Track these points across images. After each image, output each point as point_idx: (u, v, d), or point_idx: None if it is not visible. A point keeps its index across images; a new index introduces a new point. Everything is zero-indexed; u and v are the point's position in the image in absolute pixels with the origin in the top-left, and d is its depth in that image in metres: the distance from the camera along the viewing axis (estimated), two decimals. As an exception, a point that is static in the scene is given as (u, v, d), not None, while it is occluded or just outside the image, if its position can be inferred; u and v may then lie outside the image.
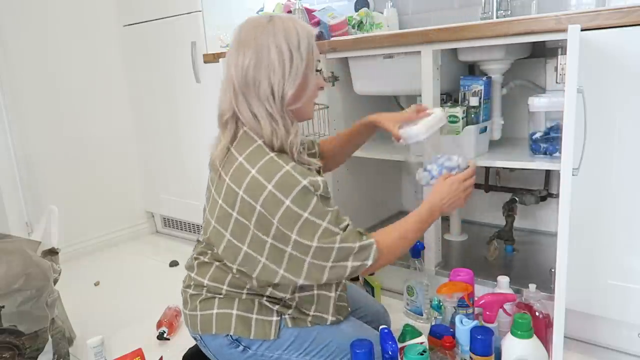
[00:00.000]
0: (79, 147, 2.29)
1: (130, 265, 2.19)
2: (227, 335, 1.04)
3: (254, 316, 1.03)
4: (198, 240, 1.13)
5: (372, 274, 1.62)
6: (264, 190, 0.92)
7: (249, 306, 1.03)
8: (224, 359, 1.08)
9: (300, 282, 0.97)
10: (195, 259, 1.10)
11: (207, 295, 1.06)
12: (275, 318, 1.04)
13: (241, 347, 1.04)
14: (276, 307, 1.04)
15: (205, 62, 2.01)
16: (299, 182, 0.92)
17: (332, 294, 1.08)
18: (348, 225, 0.99)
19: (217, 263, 1.05)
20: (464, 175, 1.15)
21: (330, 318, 1.08)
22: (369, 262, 0.98)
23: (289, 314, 1.05)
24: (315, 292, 1.07)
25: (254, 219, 0.94)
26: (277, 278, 0.97)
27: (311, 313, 1.07)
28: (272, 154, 0.96)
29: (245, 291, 1.04)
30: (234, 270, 1.02)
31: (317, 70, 1.04)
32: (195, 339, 1.12)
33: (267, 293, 1.04)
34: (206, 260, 1.07)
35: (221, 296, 1.05)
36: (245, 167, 0.95)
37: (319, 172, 1.16)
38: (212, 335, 1.06)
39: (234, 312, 1.03)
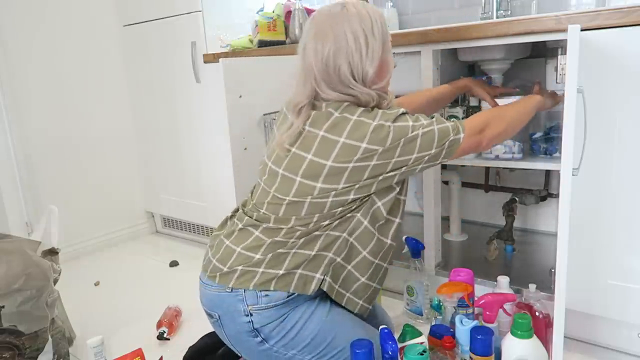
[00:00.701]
0: (79, 147, 2.29)
1: (130, 265, 2.19)
2: (249, 322, 1.02)
3: (299, 271, 1.03)
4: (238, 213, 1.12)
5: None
6: (369, 127, 0.97)
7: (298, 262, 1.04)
8: (239, 345, 1.07)
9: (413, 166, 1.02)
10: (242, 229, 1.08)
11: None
12: (319, 276, 1.04)
13: (259, 338, 1.03)
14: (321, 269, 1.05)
15: (205, 62, 2.01)
16: (398, 111, 1.00)
17: (374, 285, 1.12)
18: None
19: (268, 236, 1.04)
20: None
21: (361, 303, 1.11)
22: (460, 135, 1.03)
23: (330, 279, 1.06)
24: (362, 279, 1.09)
25: (357, 157, 0.97)
26: (386, 197, 1.05)
27: (347, 294, 1.09)
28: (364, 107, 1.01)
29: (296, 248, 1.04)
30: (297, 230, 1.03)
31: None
32: (210, 315, 1.08)
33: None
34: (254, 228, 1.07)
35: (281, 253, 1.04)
36: (346, 117, 0.99)
37: None
38: (231, 318, 1.04)
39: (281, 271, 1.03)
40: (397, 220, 1.10)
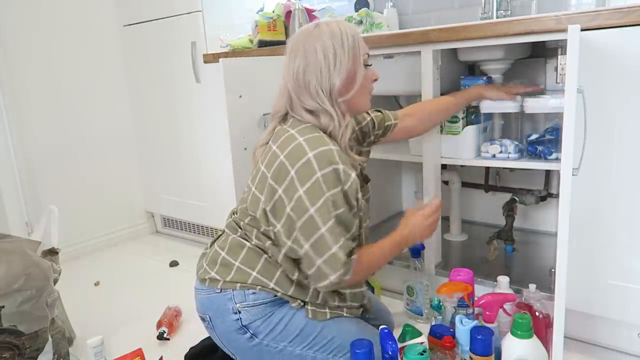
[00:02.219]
0: (79, 147, 2.29)
1: (130, 265, 2.19)
2: (238, 319, 1.05)
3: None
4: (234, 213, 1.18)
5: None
6: (304, 156, 0.98)
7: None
8: (230, 344, 1.10)
9: (302, 251, 1.00)
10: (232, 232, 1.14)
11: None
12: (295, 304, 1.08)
13: (248, 334, 1.06)
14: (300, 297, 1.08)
15: (205, 62, 2.01)
16: (337, 162, 0.99)
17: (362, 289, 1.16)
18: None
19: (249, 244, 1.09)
20: (429, 210, 1.19)
21: (345, 313, 1.13)
22: (347, 278, 1.01)
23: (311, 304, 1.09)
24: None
25: (284, 184, 1.00)
26: (283, 250, 1.03)
27: (334, 304, 1.11)
28: (322, 133, 1.04)
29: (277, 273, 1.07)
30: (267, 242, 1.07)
31: (366, 65, 1.11)
32: (203, 318, 1.13)
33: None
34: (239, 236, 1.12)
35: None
36: (295, 136, 1.02)
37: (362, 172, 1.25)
38: (220, 318, 1.07)
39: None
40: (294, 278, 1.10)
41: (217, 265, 1.10)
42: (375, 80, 1.16)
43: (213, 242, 1.18)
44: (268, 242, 1.06)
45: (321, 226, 0.98)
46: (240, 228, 1.11)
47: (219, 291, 1.08)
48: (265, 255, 1.07)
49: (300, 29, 1.11)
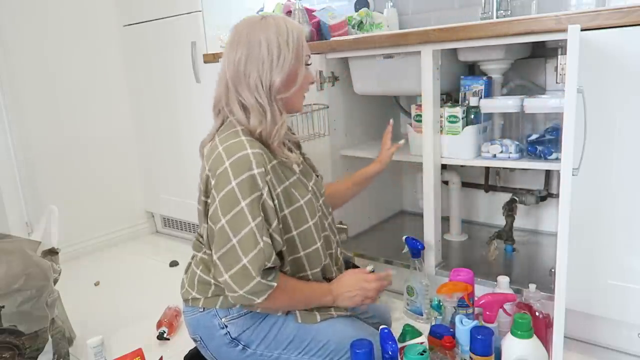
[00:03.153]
0: (79, 147, 2.29)
1: (130, 265, 2.19)
2: (226, 333, 1.04)
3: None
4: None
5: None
6: (221, 165, 0.97)
7: None
8: (224, 358, 1.09)
9: (214, 259, 0.98)
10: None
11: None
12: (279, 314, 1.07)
13: (240, 346, 1.05)
14: None
15: (205, 62, 2.01)
16: (251, 168, 0.96)
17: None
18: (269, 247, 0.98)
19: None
20: (374, 277, 1.13)
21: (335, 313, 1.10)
22: (264, 297, 0.96)
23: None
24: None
25: (210, 196, 1.00)
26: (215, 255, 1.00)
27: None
28: (244, 137, 1.00)
29: None
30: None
31: (307, 65, 1.09)
32: (194, 340, 1.13)
33: None
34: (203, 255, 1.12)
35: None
36: (217, 145, 1.01)
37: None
38: (210, 336, 1.07)
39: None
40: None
41: (195, 284, 1.10)
42: (312, 82, 1.14)
43: (190, 262, 1.18)
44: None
45: (232, 237, 0.95)
46: (202, 244, 1.12)
47: (202, 310, 1.08)
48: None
49: (245, 19, 1.08)
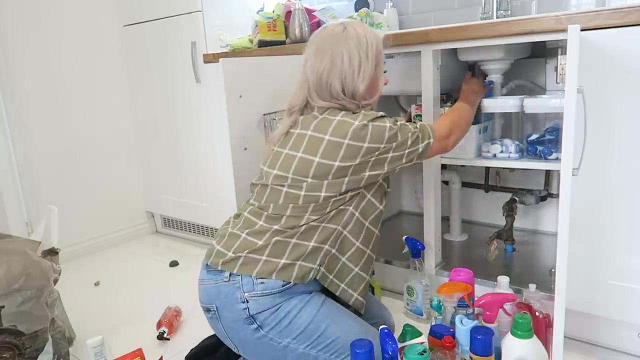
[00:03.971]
0: (79, 147, 2.29)
1: (130, 265, 2.19)
2: (246, 309, 1.05)
3: (299, 262, 1.08)
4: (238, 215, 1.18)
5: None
6: (351, 126, 1.05)
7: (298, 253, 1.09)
8: (235, 335, 1.09)
9: (384, 171, 1.11)
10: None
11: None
12: (315, 267, 1.09)
13: (255, 325, 1.05)
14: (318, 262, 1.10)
15: (205, 62, 2.01)
16: (382, 115, 1.10)
17: (367, 277, 1.18)
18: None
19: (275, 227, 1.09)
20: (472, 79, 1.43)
21: (356, 295, 1.16)
22: (431, 140, 1.14)
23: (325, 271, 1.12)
24: (356, 270, 1.15)
25: (341, 155, 1.05)
26: (363, 181, 1.10)
27: (342, 285, 1.14)
28: None
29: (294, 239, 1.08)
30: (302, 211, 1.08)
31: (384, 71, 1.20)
32: (208, 309, 1.11)
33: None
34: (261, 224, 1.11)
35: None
36: (329, 118, 1.09)
37: None
38: (228, 307, 1.07)
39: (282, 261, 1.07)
40: (382, 208, 1.19)
41: (234, 246, 1.09)
42: (386, 84, 1.23)
43: (224, 227, 1.17)
44: (314, 215, 1.08)
45: (407, 134, 1.10)
46: (261, 209, 1.12)
47: (227, 280, 1.06)
48: (293, 241, 1.08)
49: (326, 28, 1.15)
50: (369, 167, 1.09)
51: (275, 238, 1.07)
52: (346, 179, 1.07)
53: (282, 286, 1.06)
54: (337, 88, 1.10)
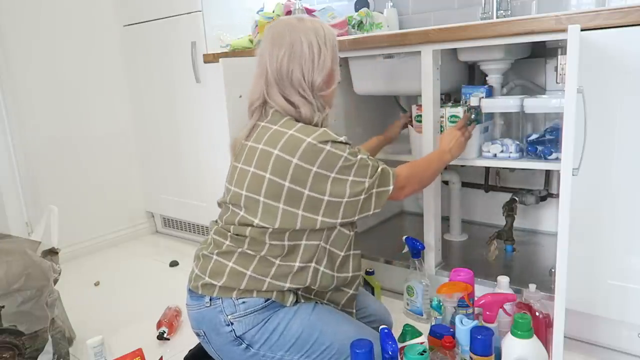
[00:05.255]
0: (79, 147, 2.29)
1: (130, 265, 2.19)
2: (231, 331, 1.04)
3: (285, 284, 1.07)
4: (215, 225, 1.16)
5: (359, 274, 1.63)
6: (302, 143, 1.01)
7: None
8: (226, 355, 1.09)
9: (339, 221, 1.06)
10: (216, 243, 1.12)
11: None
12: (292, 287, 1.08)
13: (244, 345, 1.05)
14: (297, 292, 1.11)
15: (205, 62, 2.01)
16: (336, 137, 1.04)
17: (350, 291, 1.16)
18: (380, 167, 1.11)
19: (240, 250, 1.07)
20: (458, 124, 1.37)
21: (341, 304, 1.16)
22: (390, 187, 1.10)
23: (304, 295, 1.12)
24: (334, 285, 1.13)
25: (290, 174, 1.01)
26: (318, 224, 1.05)
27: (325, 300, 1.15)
28: (304, 124, 1.07)
29: (268, 278, 1.06)
30: (265, 248, 1.06)
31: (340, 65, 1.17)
32: (198, 334, 1.12)
33: (289, 278, 1.07)
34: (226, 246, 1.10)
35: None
36: (282, 130, 1.05)
37: None
38: (214, 331, 1.06)
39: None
40: (354, 232, 1.16)
41: (209, 270, 1.09)
42: (339, 81, 1.20)
43: (201, 251, 1.16)
44: (268, 238, 1.05)
45: (348, 177, 1.04)
46: (232, 230, 1.09)
47: (208, 305, 1.07)
48: (259, 255, 1.06)
49: (282, 19, 1.13)
50: (323, 210, 1.04)
51: (245, 259, 1.06)
52: (299, 213, 1.03)
53: (265, 302, 1.06)
54: (298, 76, 1.07)
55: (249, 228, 1.06)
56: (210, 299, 1.07)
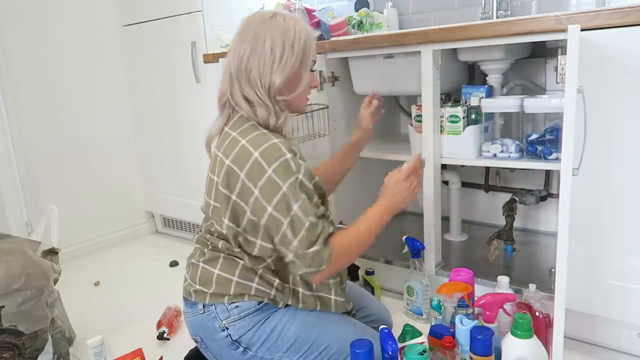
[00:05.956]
0: (79, 147, 2.29)
1: (130, 265, 2.19)
2: (227, 336, 1.04)
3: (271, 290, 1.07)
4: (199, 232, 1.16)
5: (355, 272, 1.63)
6: (250, 157, 0.97)
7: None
8: None
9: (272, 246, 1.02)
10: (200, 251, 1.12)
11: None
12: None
13: (241, 349, 1.05)
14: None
15: (205, 62, 2.01)
16: (284, 154, 0.96)
17: (332, 297, 1.12)
18: (322, 216, 1.02)
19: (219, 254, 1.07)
20: (406, 172, 1.13)
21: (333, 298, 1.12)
22: (324, 266, 0.99)
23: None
24: (315, 293, 1.10)
25: (237, 189, 0.98)
26: (255, 249, 1.03)
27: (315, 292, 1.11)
28: (264, 130, 1.01)
29: (254, 283, 1.06)
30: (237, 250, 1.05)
31: (311, 70, 1.09)
32: (196, 341, 1.13)
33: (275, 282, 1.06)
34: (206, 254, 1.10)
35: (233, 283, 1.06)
36: (237, 139, 1.00)
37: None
38: (211, 337, 1.07)
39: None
40: None
41: (198, 277, 1.09)
42: (315, 87, 1.14)
43: (190, 259, 1.16)
44: (237, 248, 1.05)
45: (283, 220, 0.96)
46: (209, 240, 1.10)
47: (202, 312, 1.07)
48: (242, 262, 1.06)
49: (257, 12, 1.08)
50: (261, 235, 1.01)
51: (229, 265, 1.06)
52: (240, 232, 1.02)
53: (258, 304, 1.06)
54: (255, 75, 1.01)
55: (221, 239, 1.06)
56: (204, 306, 1.08)
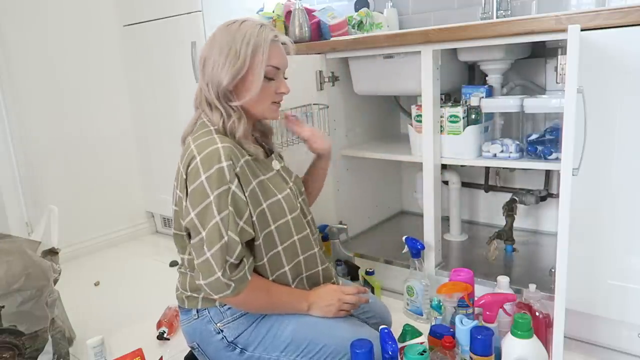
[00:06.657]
0: (79, 147, 2.29)
1: (130, 265, 2.19)
2: (223, 338, 1.05)
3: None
4: None
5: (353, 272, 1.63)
6: (193, 160, 0.98)
7: None
8: None
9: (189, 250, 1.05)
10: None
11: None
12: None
13: (238, 350, 1.05)
14: None
15: (205, 62, 2.00)
16: (220, 161, 0.96)
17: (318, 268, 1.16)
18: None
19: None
20: (353, 291, 1.13)
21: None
22: (229, 292, 0.97)
23: None
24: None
25: (179, 189, 1.02)
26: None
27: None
28: (216, 135, 1.01)
29: None
30: None
31: (270, 78, 1.07)
32: (192, 348, 1.13)
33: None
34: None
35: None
36: (190, 143, 1.02)
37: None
38: (207, 342, 1.07)
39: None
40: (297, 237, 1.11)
41: (187, 285, 1.09)
42: (283, 93, 1.11)
43: (179, 268, 1.16)
44: None
45: (201, 230, 0.96)
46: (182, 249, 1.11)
47: (197, 317, 1.08)
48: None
49: (229, 20, 1.10)
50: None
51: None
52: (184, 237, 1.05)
53: None
54: (207, 78, 1.05)
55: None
56: (197, 311, 1.08)
